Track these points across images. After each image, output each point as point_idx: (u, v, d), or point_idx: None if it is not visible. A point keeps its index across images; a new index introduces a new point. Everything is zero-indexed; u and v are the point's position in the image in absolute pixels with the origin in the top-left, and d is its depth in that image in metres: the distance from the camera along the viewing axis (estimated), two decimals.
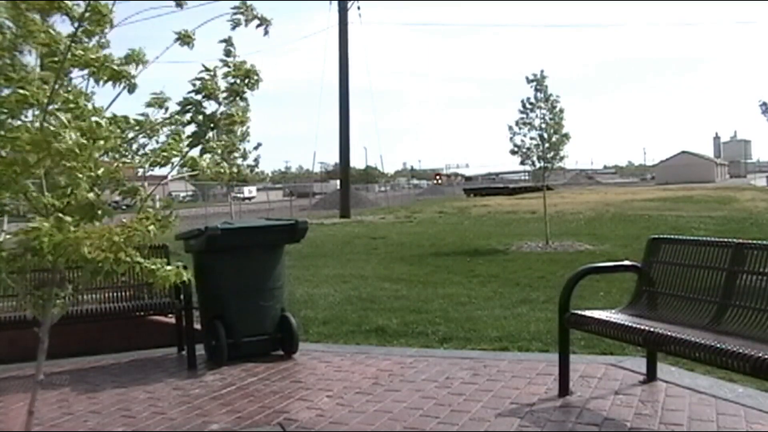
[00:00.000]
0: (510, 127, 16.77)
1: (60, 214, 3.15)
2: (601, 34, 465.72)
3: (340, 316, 8.64)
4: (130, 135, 3.61)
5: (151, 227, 3.37)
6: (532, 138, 16.57)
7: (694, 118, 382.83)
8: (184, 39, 3.62)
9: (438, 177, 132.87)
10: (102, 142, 3.31)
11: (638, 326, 4.67)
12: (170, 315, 7.20)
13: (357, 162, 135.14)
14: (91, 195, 3.27)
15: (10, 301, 6.17)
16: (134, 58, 3.60)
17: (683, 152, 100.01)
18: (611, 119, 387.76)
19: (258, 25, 3.73)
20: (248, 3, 3.69)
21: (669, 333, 4.40)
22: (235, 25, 3.68)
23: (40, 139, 2.95)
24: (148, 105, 3.67)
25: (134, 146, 3.69)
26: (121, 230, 3.25)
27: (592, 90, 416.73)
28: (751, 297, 4.72)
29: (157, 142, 3.69)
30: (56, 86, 3.24)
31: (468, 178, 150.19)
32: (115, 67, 3.49)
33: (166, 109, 3.69)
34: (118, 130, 3.56)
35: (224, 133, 3.77)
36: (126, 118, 3.64)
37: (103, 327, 7.12)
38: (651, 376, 5.49)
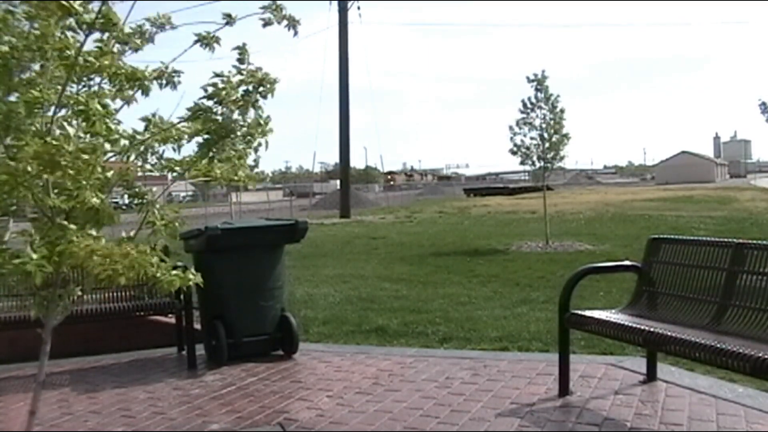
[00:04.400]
0: (510, 127, 16.76)
1: (64, 221, 3.15)
2: (601, 34, 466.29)
3: (340, 316, 8.64)
4: (148, 137, 3.60)
5: (155, 259, 3.36)
6: (532, 138, 16.56)
7: (694, 118, 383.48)
8: (204, 41, 3.60)
9: (390, 178, 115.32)
10: (108, 146, 3.32)
11: (638, 326, 4.67)
12: (170, 315, 7.20)
13: (357, 162, 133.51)
14: (95, 200, 3.27)
15: (11, 301, 6.18)
16: (163, 73, 3.61)
17: (683, 152, 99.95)
18: (611, 119, 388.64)
19: (286, 26, 3.72)
20: (278, 3, 3.67)
21: (669, 333, 4.41)
22: (266, 23, 3.65)
23: (43, 152, 2.95)
24: (181, 120, 3.66)
25: (149, 151, 3.69)
26: (125, 256, 3.22)
27: (593, 90, 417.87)
28: (751, 297, 4.72)
29: (175, 149, 3.69)
30: (67, 88, 3.24)
31: (445, 177, 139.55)
32: (131, 69, 3.50)
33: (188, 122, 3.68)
34: (147, 134, 3.56)
35: (243, 142, 3.76)
36: (162, 119, 3.64)
37: (103, 327, 7.13)
38: (651, 376, 5.49)
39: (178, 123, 3.63)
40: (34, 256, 3.03)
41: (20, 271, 3.03)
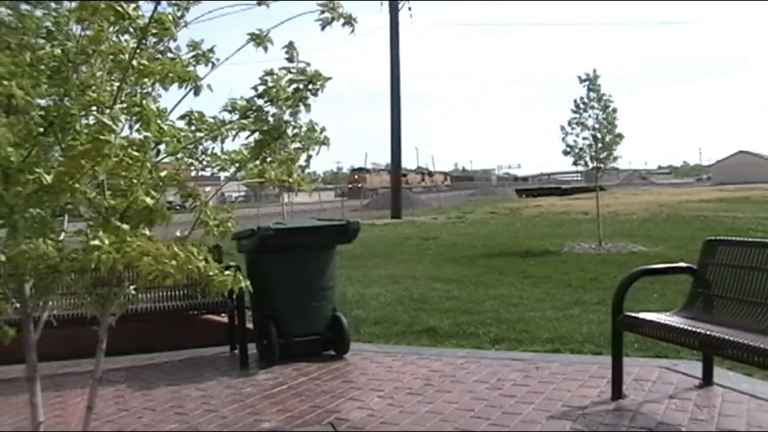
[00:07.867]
0: (562, 127, 16.56)
1: (118, 222, 3.18)
2: (650, 33, 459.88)
3: (391, 316, 8.65)
4: (199, 135, 3.63)
5: (202, 262, 3.37)
6: (584, 138, 16.36)
7: (751, 116, 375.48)
8: (258, 40, 3.60)
9: (358, 177, 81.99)
10: (163, 146, 3.36)
11: (694, 329, 4.59)
12: (223, 314, 7.29)
13: (408, 162, 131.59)
14: (148, 200, 3.31)
15: (69, 299, 6.30)
16: (202, 57, 3.64)
17: (741, 151, 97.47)
18: (666, 119, 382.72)
19: (344, 23, 3.69)
20: (335, 2, 3.65)
21: (726, 336, 4.32)
22: (324, 24, 3.63)
23: (92, 148, 2.98)
24: (224, 109, 3.67)
25: (200, 148, 3.72)
26: (174, 257, 3.22)
27: (646, 89, 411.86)
28: None
29: (222, 142, 3.71)
30: (121, 91, 3.30)
31: (468, 178, 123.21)
32: (182, 68, 3.53)
33: (236, 113, 3.69)
34: (192, 128, 3.60)
35: (297, 146, 3.76)
36: (202, 114, 3.67)
37: (157, 326, 7.22)
38: (707, 380, 5.39)
39: (230, 123, 3.65)
40: (106, 241, 3.05)
41: (91, 259, 3.03)
